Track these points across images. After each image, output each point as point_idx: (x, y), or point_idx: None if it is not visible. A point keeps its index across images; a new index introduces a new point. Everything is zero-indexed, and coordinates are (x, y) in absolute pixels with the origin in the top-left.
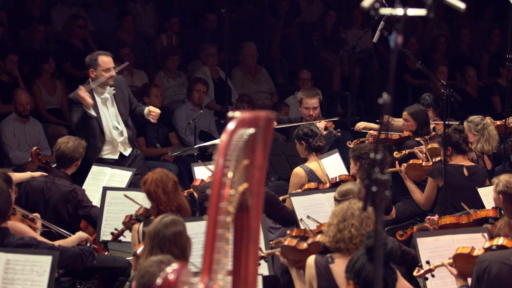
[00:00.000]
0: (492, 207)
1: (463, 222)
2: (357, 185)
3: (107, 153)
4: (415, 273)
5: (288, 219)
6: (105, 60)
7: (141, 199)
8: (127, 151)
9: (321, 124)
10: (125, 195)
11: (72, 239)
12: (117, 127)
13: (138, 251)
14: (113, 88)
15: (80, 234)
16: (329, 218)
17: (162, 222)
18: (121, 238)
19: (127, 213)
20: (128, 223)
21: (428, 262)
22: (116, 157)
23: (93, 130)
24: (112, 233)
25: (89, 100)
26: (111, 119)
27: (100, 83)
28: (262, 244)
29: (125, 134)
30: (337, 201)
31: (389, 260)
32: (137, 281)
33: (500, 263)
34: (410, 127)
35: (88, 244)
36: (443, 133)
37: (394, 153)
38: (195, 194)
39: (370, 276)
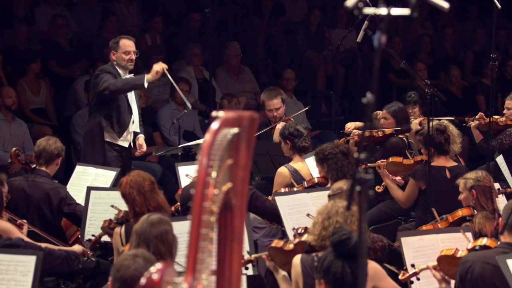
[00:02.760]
0: (466, 206)
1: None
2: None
3: (121, 139)
4: (400, 277)
5: (273, 212)
6: (126, 43)
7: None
8: (128, 142)
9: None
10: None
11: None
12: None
13: (126, 250)
14: (133, 74)
15: (75, 248)
16: (314, 217)
17: (149, 220)
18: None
19: (112, 212)
20: (107, 228)
21: (413, 265)
22: (126, 145)
23: (122, 103)
24: (89, 240)
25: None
26: (131, 101)
27: (120, 66)
28: (246, 244)
29: (136, 122)
30: (329, 197)
31: (354, 255)
32: (113, 276)
33: (483, 262)
34: (389, 125)
35: (86, 258)
36: (427, 133)
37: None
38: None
39: (339, 272)
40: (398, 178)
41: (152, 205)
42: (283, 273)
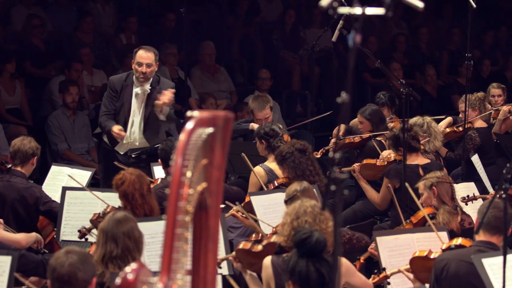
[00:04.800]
0: (427, 206)
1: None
2: (302, 185)
3: (117, 147)
4: (371, 281)
5: (238, 197)
6: (142, 54)
7: (101, 197)
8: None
9: None
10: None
11: (26, 235)
12: (132, 124)
13: (92, 251)
14: (150, 87)
15: (37, 235)
16: (282, 218)
17: (115, 218)
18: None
19: (87, 213)
20: (96, 221)
21: (384, 269)
22: (121, 152)
23: (121, 117)
24: (79, 231)
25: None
26: (132, 114)
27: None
28: (221, 244)
29: (135, 135)
30: (285, 202)
31: (317, 252)
32: (50, 277)
33: (458, 260)
34: (365, 129)
35: (39, 248)
36: (402, 132)
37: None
38: None
39: (304, 271)
40: None
41: (147, 208)
42: (251, 273)
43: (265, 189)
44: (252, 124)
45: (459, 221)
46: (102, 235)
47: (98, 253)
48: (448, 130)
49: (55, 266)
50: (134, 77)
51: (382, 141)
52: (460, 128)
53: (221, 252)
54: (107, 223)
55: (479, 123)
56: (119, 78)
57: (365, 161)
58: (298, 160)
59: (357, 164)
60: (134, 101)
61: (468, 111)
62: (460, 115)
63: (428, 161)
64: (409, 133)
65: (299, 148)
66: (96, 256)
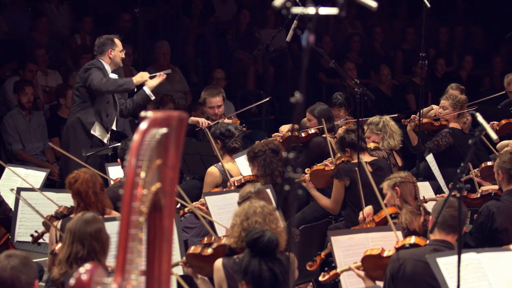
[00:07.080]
0: (390, 205)
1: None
2: (256, 186)
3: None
4: (320, 278)
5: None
6: (119, 42)
7: (56, 199)
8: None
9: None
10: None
11: None
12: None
13: (57, 248)
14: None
15: None
16: (232, 220)
17: (84, 218)
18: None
19: (42, 213)
20: (47, 222)
21: (334, 267)
22: (105, 140)
23: (110, 98)
24: (32, 235)
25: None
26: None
27: (114, 63)
28: (176, 244)
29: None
30: (239, 204)
31: (269, 251)
32: None
33: (414, 260)
34: (314, 125)
35: None
36: (357, 132)
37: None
38: None
39: (256, 270)
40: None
41: (100, 206)
42: (201, 276)
43: (229, 178)
44: (191, 118)
45: (422, 221)
46: (69, 235)
47: (64, 252)
48: (425, 120)
49: None
50: (108, 64)
51: (329, 139)
52: (437, 123)
53: (176, 252)
54: (75, 224)
55: (454, 124)
56: (99, 64)
57: (315, 168)
58: (269, 159)
59: (307, 174)
60: None
61: (439, 107)
62: (440, 111)
63: (376, 158)
64: (354, 133)
65: (272, 148)
66: (61, 255)
